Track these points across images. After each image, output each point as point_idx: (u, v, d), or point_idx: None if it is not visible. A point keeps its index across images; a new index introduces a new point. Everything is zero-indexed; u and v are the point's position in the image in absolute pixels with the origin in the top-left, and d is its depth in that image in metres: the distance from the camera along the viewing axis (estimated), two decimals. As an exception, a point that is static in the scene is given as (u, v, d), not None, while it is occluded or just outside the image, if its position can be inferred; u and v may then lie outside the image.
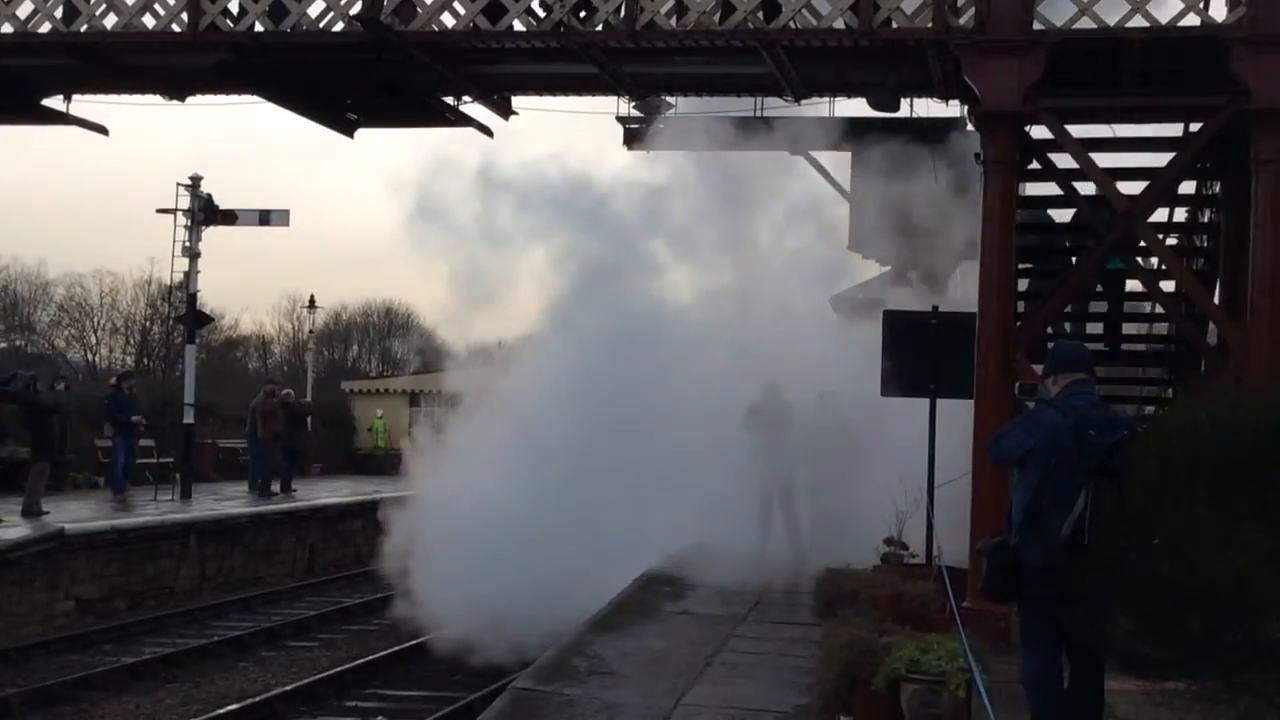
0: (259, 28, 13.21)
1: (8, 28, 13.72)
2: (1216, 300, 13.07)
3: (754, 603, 13.11)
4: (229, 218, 24.90)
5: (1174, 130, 13.05)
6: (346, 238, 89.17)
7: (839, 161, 19.11)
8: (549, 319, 18.51)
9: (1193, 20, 11.35)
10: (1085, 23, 11.51)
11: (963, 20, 11.76)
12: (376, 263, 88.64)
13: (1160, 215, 14.07)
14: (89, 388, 32.63)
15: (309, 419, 29.04)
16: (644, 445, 15.85)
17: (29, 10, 13.61)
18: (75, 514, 19.04)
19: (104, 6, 13.44)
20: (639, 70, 13.75)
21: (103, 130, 16.21)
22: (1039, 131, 12.17)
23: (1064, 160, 12.59)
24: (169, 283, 29.21)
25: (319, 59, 13.77)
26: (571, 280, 18.11)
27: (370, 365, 64.49)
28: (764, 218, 18.54)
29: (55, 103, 15.56)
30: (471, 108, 15.32)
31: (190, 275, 24.54)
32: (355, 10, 12.80)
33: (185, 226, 24.65)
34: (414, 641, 15.65)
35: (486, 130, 15.84)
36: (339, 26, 13.01)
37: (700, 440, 15.62)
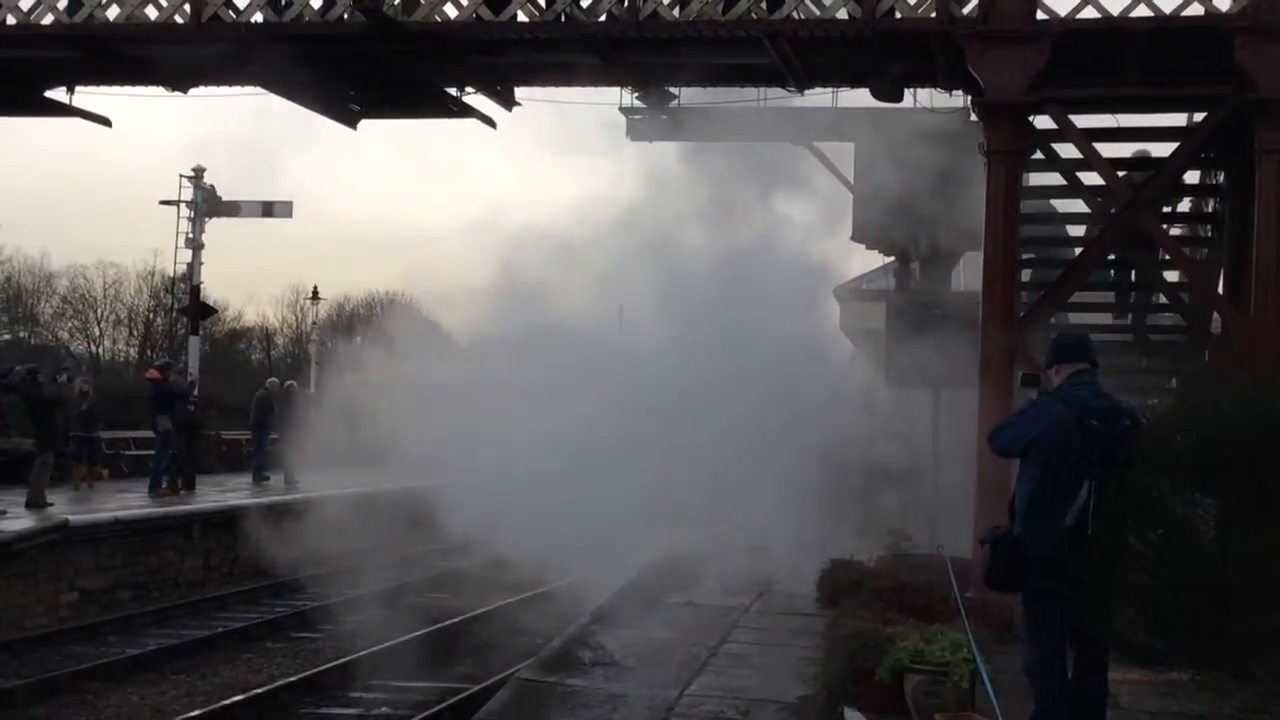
0: (261, 19, 13.20)
1: (11, 19, 13.72)
2: (1220, 290, 13.06)
3: (758, 593, 13.13)
4: (232, 209, 24.95)
5: (1178, 120, 13.04)
6: (350, 229, 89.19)
7: (842, 152, 19.07)
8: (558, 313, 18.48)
9: (1196, 10, 11.34)
10: (1089, 13, 11.50)
11: (966, 10, 11.76)
12: (380, 254, 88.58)
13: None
14: (93, 379, 32.61)
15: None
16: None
17: (32, 2, 13.62)
18: (79, 506, 19.07)
19: (106, -2, 13.45)
20: (642, 61, 13.74)
21: (106, 122, 16.22)
22: (1043, 121, 12.16)
23: (1068, 150, 12.58)
24: (172, 274, 29.27)
25: (322, 50, 13.75)
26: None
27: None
28: (767, 208, 18.50)
29: (58, 94, 15.56)
30: (474, 98, 15.31)
31: (194, 266, 24.60)
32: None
33: (188, 218, 24.74)
34: (417, 633, 15.67)
35: (489, 121, 15.82)
36: (343, 17, 13.00)
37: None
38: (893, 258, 18.57)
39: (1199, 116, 12.20)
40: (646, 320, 18.22)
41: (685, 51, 13.25)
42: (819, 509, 15.39)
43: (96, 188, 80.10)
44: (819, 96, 15.96)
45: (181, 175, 24.82)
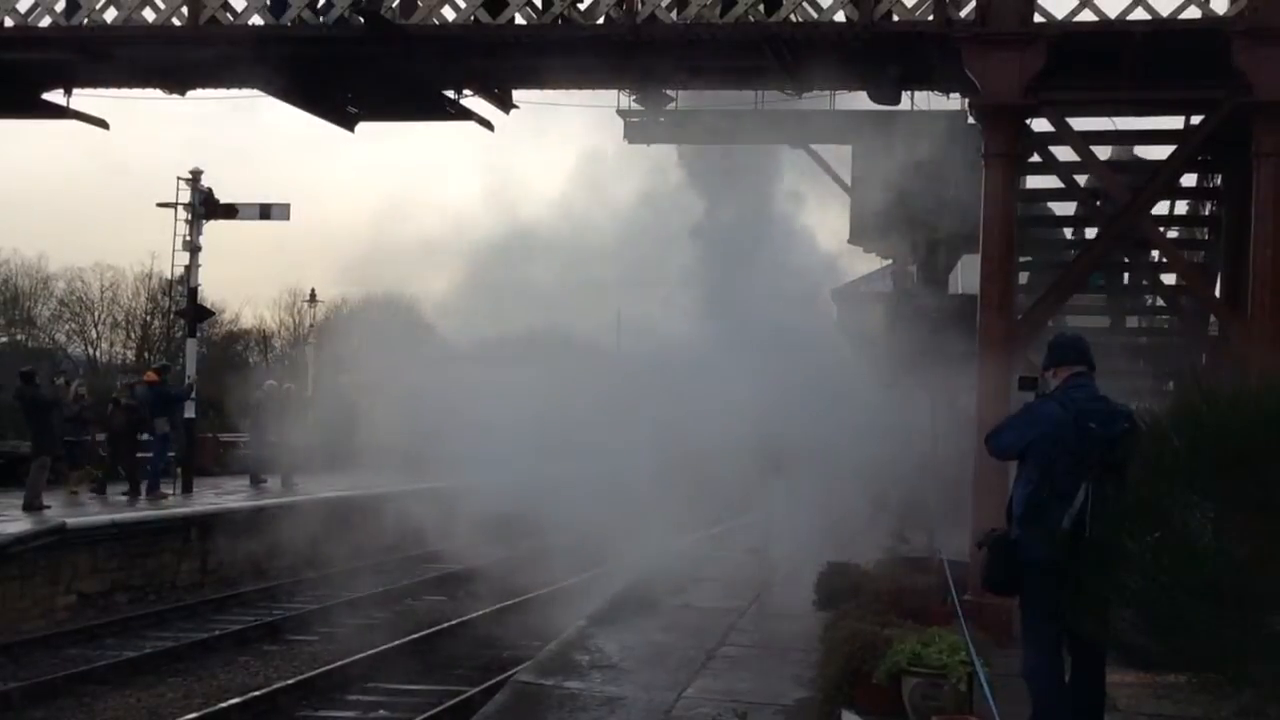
0: (259, 21, 13.20)
1: (9, 21, 13.72)
2: (1217, 293, 13.07)
3: (755, 596, 13.13)
4: (229, 211, 24.84)
5: (1175, 123, 13.05)
6: (348, 231, 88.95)
7: (839, 154, 19.10)
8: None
9: (1194, 13, 11.34)
10: (1086, 15, 11.51)
11: (964, 13, 11.76)
12: (377, 256, 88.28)
13: (1161, 208, 14.09)
14: (92, 381, 32.58)
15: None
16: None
17: (29, 4, 13.62)
18: (77, 509, 19.04)
19: (104, 0, 13.43)
20: (639, 64, 13.74)
21: (103, 124, 16.21)
22: (1040, 124, 12.17)
23: (1065, 153, 12.59)
24: (170, 277, 29.21)
25: (319, 53, 13.74)
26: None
27: (371, 359, 64.22)
28: (765, 211, 18.51)
29: (56, 96, 15.55)
30: (472, 101, 15.32)
31: (191, 269, 24.51)
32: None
33: (186, 220, 24.64)
34: (415, 636, 15.66)
35: (487, 124, 15.83)
36: (341, 19, 12.99)
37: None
38: (891, 260, 18.61)
39: (1196, 119, 12.20)
40: (646, 322, 18.23)
41: (683, 54, 13.26)
42: (817, 511, 15.39)
43: (93, 190, 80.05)
44: (817, 99, 15.99)
45: (179, 177, 24.72)
